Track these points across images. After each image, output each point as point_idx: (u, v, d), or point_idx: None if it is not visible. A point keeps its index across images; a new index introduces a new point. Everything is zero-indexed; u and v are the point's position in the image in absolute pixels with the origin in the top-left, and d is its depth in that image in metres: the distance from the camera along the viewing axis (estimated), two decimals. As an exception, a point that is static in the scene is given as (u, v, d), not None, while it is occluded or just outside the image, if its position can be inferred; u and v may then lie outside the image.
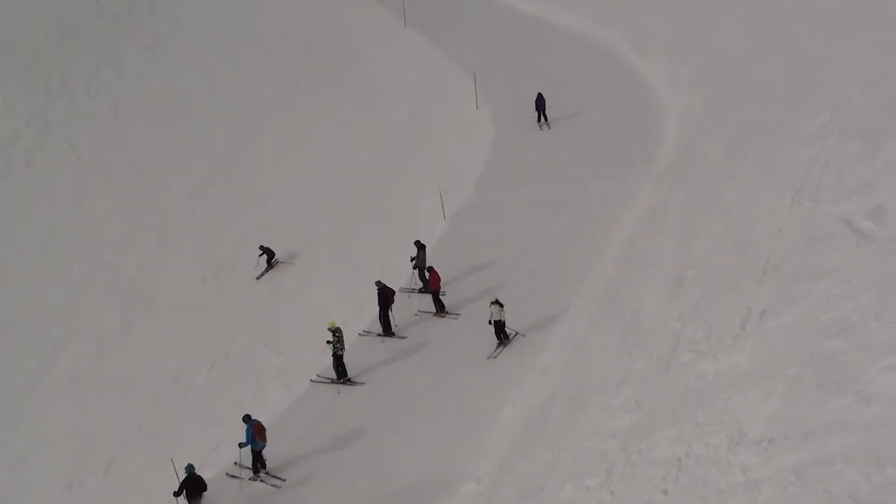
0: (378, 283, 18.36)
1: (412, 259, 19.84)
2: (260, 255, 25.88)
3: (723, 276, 13.87)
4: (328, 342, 17.03)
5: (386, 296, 18.19)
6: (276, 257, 26.03)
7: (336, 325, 17.14)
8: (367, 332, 18.85)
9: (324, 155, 31.01)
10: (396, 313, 18.65)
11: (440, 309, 18.81)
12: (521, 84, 30.75)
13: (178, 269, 28.85)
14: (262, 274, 25.84)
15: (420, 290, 19.70)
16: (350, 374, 17.46)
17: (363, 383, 17.33)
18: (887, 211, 11.83)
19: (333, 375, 17.44)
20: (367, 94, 33.32)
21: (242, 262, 27.92)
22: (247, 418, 15.19)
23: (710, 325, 12.52)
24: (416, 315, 19.03)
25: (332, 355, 17.09)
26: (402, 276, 20.52)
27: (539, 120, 27.07)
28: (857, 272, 10.76)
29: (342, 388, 17.32)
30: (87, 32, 42.45)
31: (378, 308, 18.41)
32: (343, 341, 17.10)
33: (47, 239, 32.26)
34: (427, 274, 18.90)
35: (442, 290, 19.43)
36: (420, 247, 19.70)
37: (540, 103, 27.02)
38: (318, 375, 17.93)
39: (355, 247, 25.06)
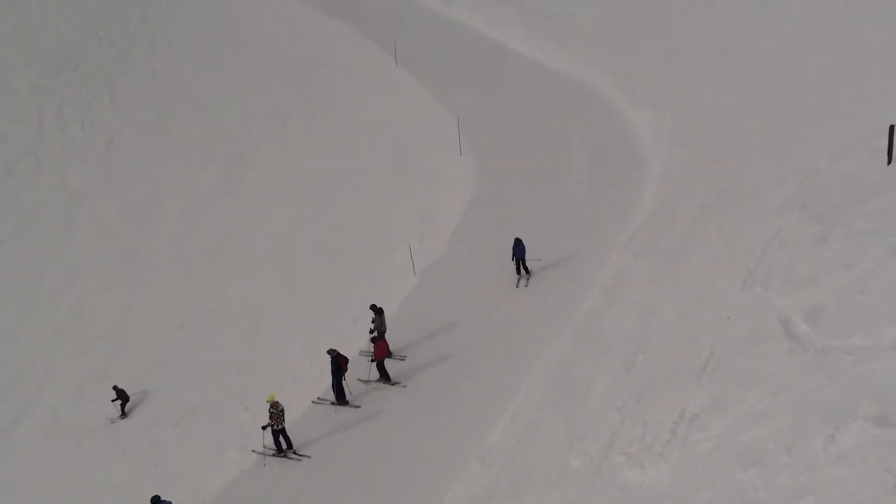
0: (331, 352, 18.08)
1: (372, 322, 19.52)
2: (114, 401, 24.06)
3: (667, 365, 13.51)
4: (263, 427, 16.88)
5: (339, 364, 17.90)
6: (129, 402, 24.19)
7: (274, 400, 16.90)
8: (321, 400, 18.60)
9: (307, 197, 30.89)
10: (352, 380, 18.37)
11: (385, 379, 18.53)
12: (508, 129, 30.57)
13: (158, 312, 28.79)
14: (118, 419, 24.03)
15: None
16: (298, 444, 17.17)
17: (309, 456, 17.04)
18: (824, 313, 11.46)
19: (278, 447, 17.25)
20: (354, 133, 33.16)
21: (222, 305, 27.90)
22: (156, 500, 15.05)
23: (646, 423, 12.16)
24: (365, 383, 18.79)
25: (272, 430, 16.88)
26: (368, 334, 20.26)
27: (518, 271, 21.45)
28: (783, 386, 10.40)
29: (286, 460, 17.06)
30: (85, 64, 42.58)
31: (331, 376, 18.13)
32: (283, 415, 16.83)
33: (34, 277, 32.32)
34: (383, 338, 18.63)
35: (402, 354, 19.14)
36: (377, 311, 19.38)
37: (518, 250, 21.32)
38: (263, 446, 17.64)
39: (330, 298, 24.88)
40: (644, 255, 19.34)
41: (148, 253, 31.86)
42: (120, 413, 24.24)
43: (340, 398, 18.10)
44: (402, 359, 19.31)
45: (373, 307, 19.47)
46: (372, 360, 18.52)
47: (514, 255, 21.35)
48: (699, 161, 23.30)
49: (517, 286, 21.43)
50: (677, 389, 12.38)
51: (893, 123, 14.45)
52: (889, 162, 14.55)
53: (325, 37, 41.02)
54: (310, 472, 16.79)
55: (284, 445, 17.10)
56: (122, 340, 28.25)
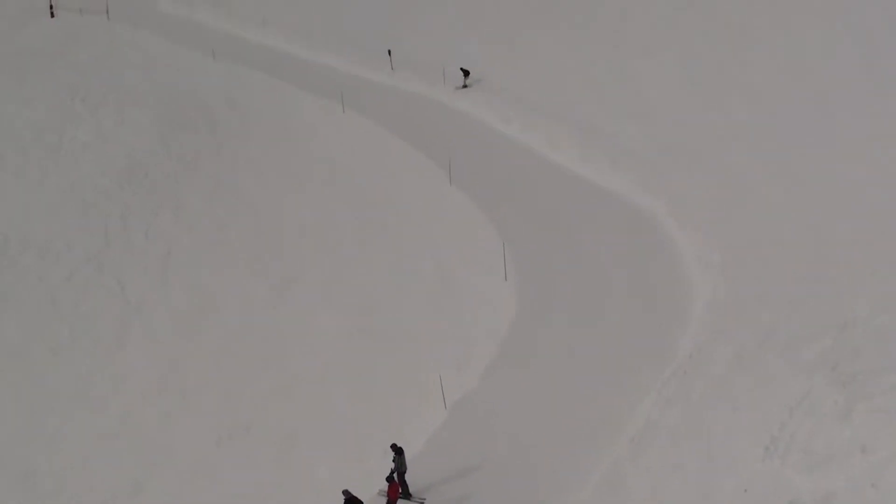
0: (345, 493, 17.80)
1: (392, 461, 19.23)
2: None
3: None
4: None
5: (353, 507, 17.61)
6: None
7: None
8: (334, 543, 18.23)
9: (349, 314, 31.08)
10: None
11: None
12: (556, 252, 30.55)
13: (197, 426, 28.97)
14: None
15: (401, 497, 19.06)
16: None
17: None
18: (835, 500, 10.78)
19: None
20: (400, 250, 33.55)
21: (258, 423, 27.96)
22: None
23: None
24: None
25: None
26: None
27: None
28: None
29: None
30: (153, 174, 44.27)
31: (345, 521, 17.82)
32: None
33: (82, 386, 32.89)
34: (394, 480, 18.34)
35: (421, 497, 18.75)
36: (397, 451, 19.12)
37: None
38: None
39: (362, 424, 24.76)
40: (675, 403, 18.78)
41: (193, 364, 32.23)
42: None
43: (352, 542, 17.74)
44: (422, 501, 18.91)
45: (393, 447, 19.24)
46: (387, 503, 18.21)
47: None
48: (743, 300, 22.78)
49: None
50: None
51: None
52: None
53: (382, 150, 42.05)
54: None
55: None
56: (159, 453, 28.40)
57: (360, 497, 18.00)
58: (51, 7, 73.30)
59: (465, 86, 46.50)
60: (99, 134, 48.01)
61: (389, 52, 51.15)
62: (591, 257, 29.87)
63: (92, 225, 41.18)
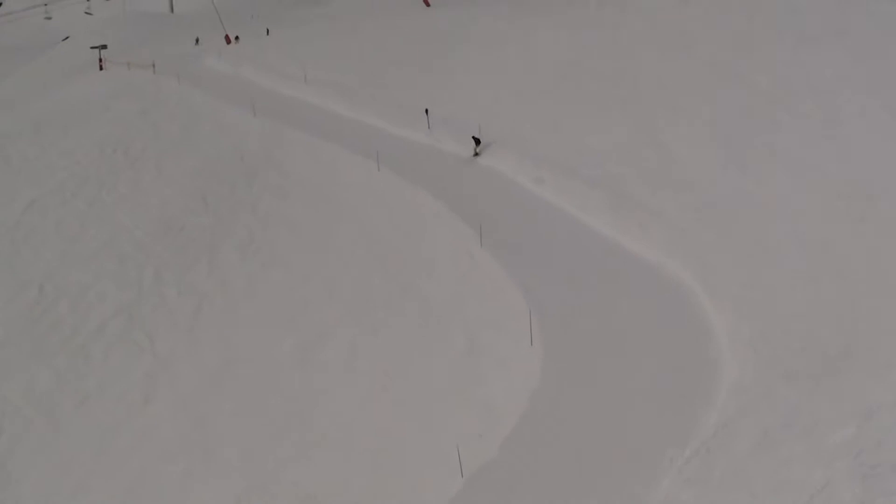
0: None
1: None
2: None
3: None
4: None
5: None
6: None
7: None
8: None
9: (374, 374, 31.04)
10: None
11: None
12: (583, 318, 30.27)
13: (216, 487, 28.96)
14: None
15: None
16: None
17: None
18: None
19: None
20: (427, 312, 33.51)
21: (276, 486, 27.87)
22: None
23: None
24: None
25: None
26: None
27: None
28: None
29: None
30: (190, 228, 44.95)
31: None
32: None
33: (104, 442, 33.13)
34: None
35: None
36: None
37: None
38: None
39: (378, 490, 24.55)
40: (696, 484, 18.34)
41: (217, 422, 32.33)
42: None
43: None
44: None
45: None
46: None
47: None
48: (771, 377, 22.33)
49: None
50: None
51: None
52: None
53: (415, 209, 42.25)
54: None
55: None
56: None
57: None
58: (100, 60, 75.68)
59: (476, 154, 46.95)
60: (138, 186, 49.08)
61: (427, 111, 51.81)
62: (617, 325, 29.54)
63: (126, 277, 41.87)
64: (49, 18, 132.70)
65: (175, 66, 71.04)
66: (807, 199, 32.86)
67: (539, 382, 26.76)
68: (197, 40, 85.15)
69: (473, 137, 47.07)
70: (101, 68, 75.95)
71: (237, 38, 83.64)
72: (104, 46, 77.79)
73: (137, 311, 39.75)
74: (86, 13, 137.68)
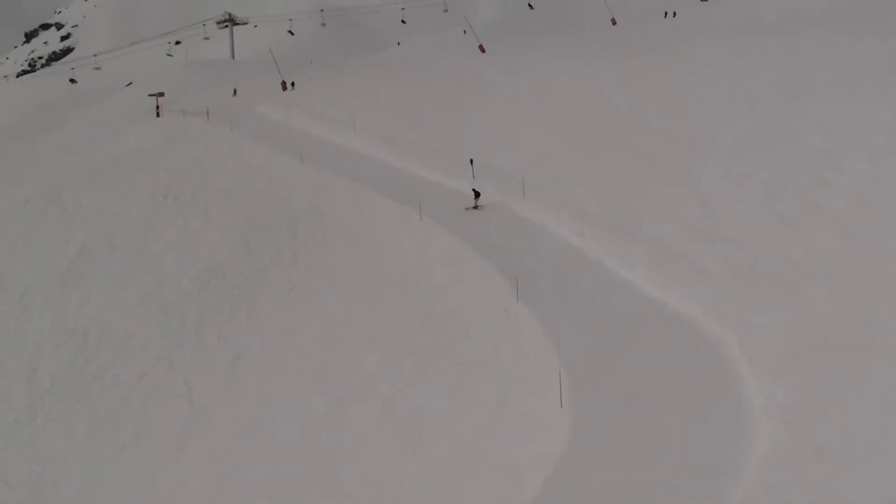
0: None
1: None
2: None
3: None
4: None
5: None
6: None
7: None
8: None
9: (405, 433, 31.00)
10: None
11: None
12: (616, 378, 29.90)
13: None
14: None
15: None
16: None
17: None
18: None
19: None
20: (461, 368, 33.44)
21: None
22: None
23: None
24: None
25: None
26: None
27: None
28: None
29: None
30: (232, 276, 45.68)
31: None
32: None
33: (142, 487, 33.62)
34: None
35: None
36: None
37: None
38: None
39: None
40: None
41: (249, 474, 32.58)
42: None
43: None
44: None
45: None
46: None
47: None
48: (802, 452, 21.75)
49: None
50: None
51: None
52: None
53: (455, 261, 42.35)
54: None
55: None
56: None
57: None
58: (157, 107, 77.91)
59: (475, 207, 47.28)
60: (184, 234, 50.11)
61: (471, 160, 52.09)
62: (651, 387, 29.08)
63: (168, 325, 42.66)
64: (98, 69, 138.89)
65: (229, 113, 72.77)
66: (853, 264, 32.11)
67: (567, 446, 26.45)
68: (235, 91, 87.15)
69: (473, 190, 47.50)
70: (157, 115, 78.16)
71: (293, 84, 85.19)
72: (161, 94, 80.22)
73: (178, 358, 40.40)
74: (167, 55, 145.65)
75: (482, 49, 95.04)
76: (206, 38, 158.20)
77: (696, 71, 58.96)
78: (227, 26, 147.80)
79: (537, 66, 72.79)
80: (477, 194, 47.63)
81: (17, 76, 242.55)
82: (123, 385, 39.22)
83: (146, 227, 51.57)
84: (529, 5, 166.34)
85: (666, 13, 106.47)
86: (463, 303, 38.96)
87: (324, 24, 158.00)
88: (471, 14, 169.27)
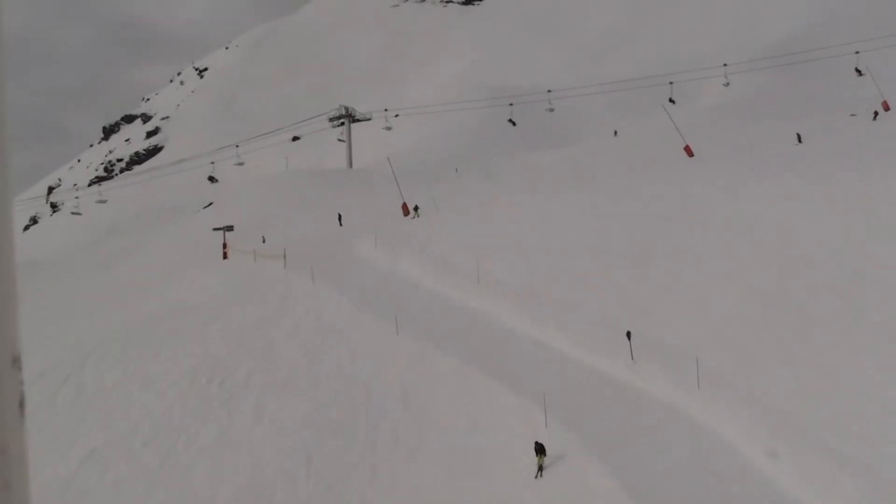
0: None
1: None
2: None
3: None
4: None
5: None
6: None
7: None
8: None
9: None
10: None
11: None
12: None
13: None
14: None
15: None
16: None
17: None
18: None
19: None
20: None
21: None
22: None
23: None
24: None
25: None
26: None
27: None
28: None
29: None
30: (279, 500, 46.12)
31: None
32: None
33: None
34: None
35: None
36: None
37: None
38: None
39: None
40: None
41: None
42: None
43: None
44: None
45: None
46: None
47: None
48: None
49: None
50: None
51: None
52: None
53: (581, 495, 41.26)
54: None
55: None
56: None
57: None
58: (224, 247, 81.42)
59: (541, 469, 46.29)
60: (225, 436, 51.13)
61: (629, 334, 50.55)
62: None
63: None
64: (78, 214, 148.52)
65: (315, 256, 73.86)
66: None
67: None
68: (339, 218, 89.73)
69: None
70: (224, 256, 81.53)
71: (416, 208, 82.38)
72: (230, 228, 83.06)
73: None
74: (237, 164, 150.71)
75: (689, 152, 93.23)
76: (340, 140, 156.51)
77: None
78: (341, 124, 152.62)
79: (757, 184, 68.86)
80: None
81: (89, 184, 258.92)
82: None
83: (178, 425, 53.11)
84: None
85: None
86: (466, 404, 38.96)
87: (512, 122, 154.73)
88: (686, 96, 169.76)
